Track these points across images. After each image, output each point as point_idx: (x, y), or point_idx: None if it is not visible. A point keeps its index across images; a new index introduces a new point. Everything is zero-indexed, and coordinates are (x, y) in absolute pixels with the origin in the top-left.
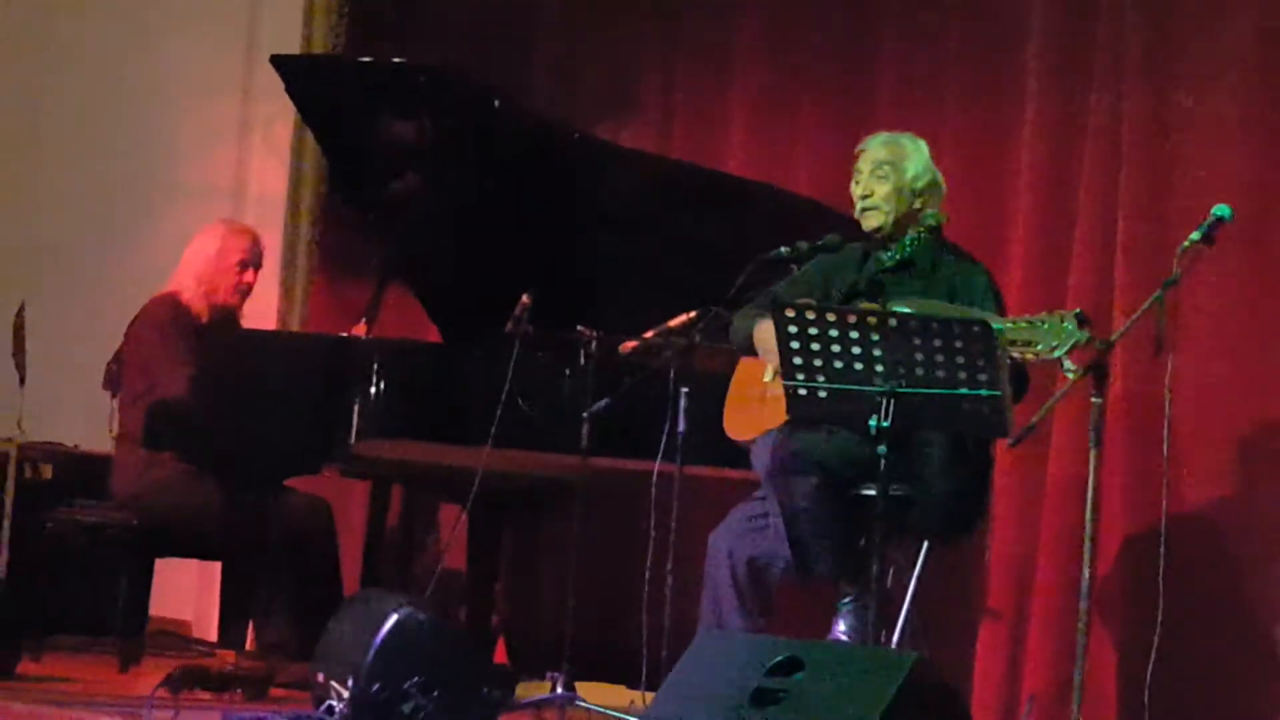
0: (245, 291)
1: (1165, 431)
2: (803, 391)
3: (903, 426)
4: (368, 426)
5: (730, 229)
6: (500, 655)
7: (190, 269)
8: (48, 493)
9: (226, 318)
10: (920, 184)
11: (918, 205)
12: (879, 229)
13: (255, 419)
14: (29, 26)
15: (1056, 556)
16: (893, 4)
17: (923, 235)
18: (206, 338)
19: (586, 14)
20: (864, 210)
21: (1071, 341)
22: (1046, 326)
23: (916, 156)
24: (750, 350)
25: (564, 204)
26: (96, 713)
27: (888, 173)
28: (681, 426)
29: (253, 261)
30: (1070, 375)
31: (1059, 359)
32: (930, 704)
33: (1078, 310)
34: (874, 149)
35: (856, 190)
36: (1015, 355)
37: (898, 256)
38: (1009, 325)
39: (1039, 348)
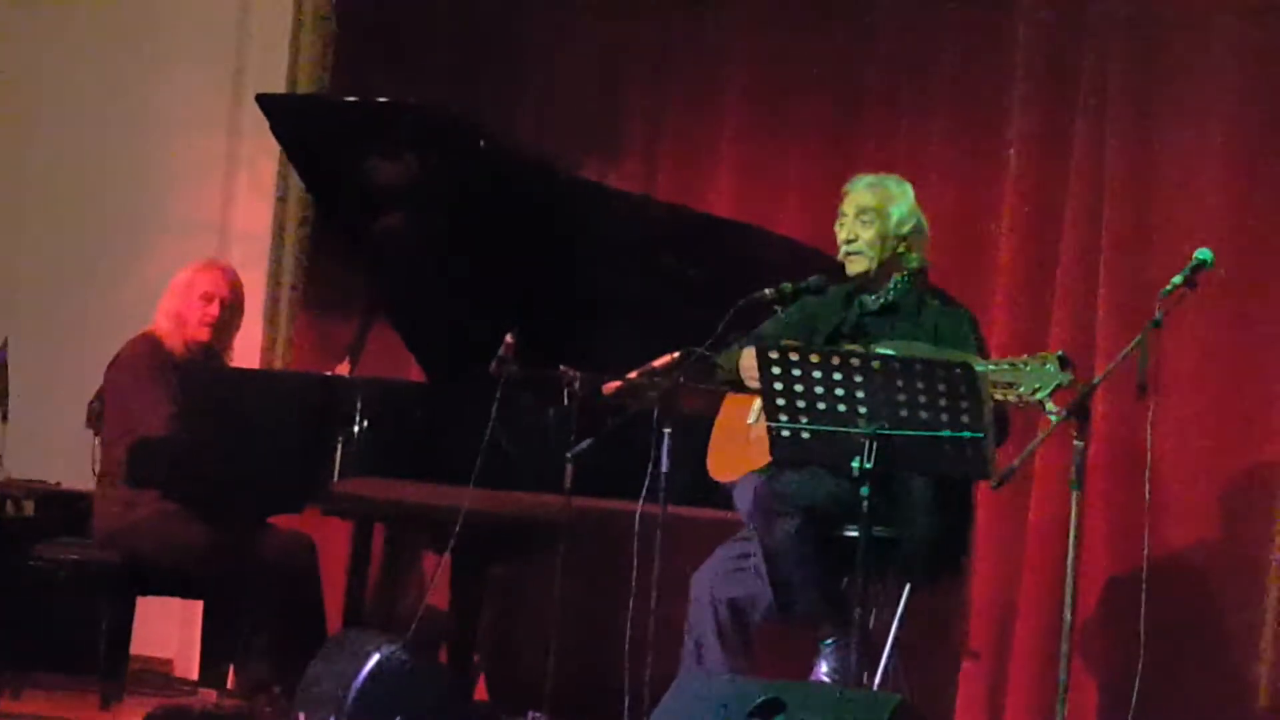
0: (213, 324)
1: (1147, 473)
2: (786, 433)
3: (885, 468)
4: (350, 465)
5: (715, 270)
6: (482, 694)
7: (164, 308)
8: (29, 530)
9: (205, 353)
10: (905, 229)
11: (901, 249)
12: (863, 274)
13: (238, 457)
14: (15, 62)
15: (1037, 597)
16: (879, 48)
17: (907, 279)
18: (184, 374)
19: (573, 54)
20: (848, 255)
21: (1054, 384)
22: (1029, 369)
23: (902, 201)
24: (736, 377)
25: (549, 243)
26: None
27: (872, 219)
28: (665, 467)
29: (217, 294)
30: (1053, 418)
31: (1041, 401)
32: None
33: (1060, 352)
34: (859, 193)
35: (841, 234)
36: (998, 397)
37: (882, 300)
38: (991, 367)
39: (1021, 390)
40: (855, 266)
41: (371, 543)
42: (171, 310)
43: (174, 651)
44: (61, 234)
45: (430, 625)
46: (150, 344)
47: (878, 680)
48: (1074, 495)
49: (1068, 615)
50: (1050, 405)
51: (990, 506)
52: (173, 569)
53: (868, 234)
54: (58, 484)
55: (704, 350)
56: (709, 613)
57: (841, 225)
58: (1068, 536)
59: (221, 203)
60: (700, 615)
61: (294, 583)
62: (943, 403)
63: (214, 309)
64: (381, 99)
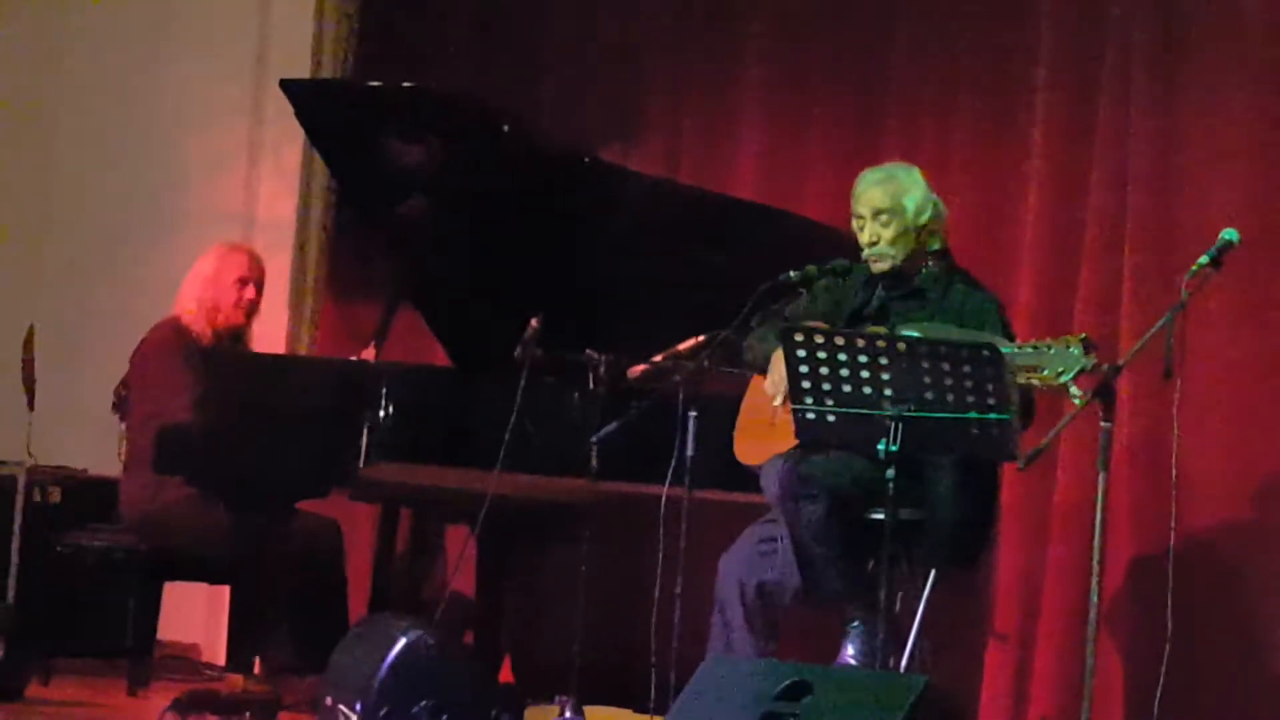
0: (249, 308)
1: (1173, 455)
2: (811, 415)
3: (911, 450)
4: (376, 450)
5: (739, 253)
6: (508, 678)
7: (191, 292)
8: (57, 516)
9: (233, 337)
10: (924, 218)
11: (923, 238)
12: (889, 271)
13: (264, 443)
14: (38, 51)
15: (1063, 579)
16: (902, 32)
17: (931, 264)
18: (212, 359)
19: (594, 39)
20: (872, 256)
21: (1078, 367)
22: (1053, 352)
23: (914, 190)
24: (763, 363)
25: (573, 228)
26: None
27: (889, 217)
28: (690, 450)
29: (252, 278)
30: (1077, 401)
31: (1065, 384)
32: None
33: (1084, 335)
34: (871, 193)
35: (863, 237)
36: (1021, 381)
37: (905, 285)
38: (1016, 350)
39: (1045, 373)
40: (882, 265)
41: (397, 527)
42: (205, 295)
43: (200, 637)
44: (86, 222)
45: (456, 609)
46: (176, 329)
47: (904, 663)
48: (1100, 477)
49: (1094, 598)
50: (1074, 388)
51: (1015, 488)
52: (199, 554)
53: (889, 233)
54: (84, 470)
55: (729, 333)
56: (736, 596)
57: (861, 228)
58: (1093, 518)
59: (245, 189)
60: (727, 598)
61: (319, 568)
62: (968, 384)
63: (250, 292)
64: (405, 84)
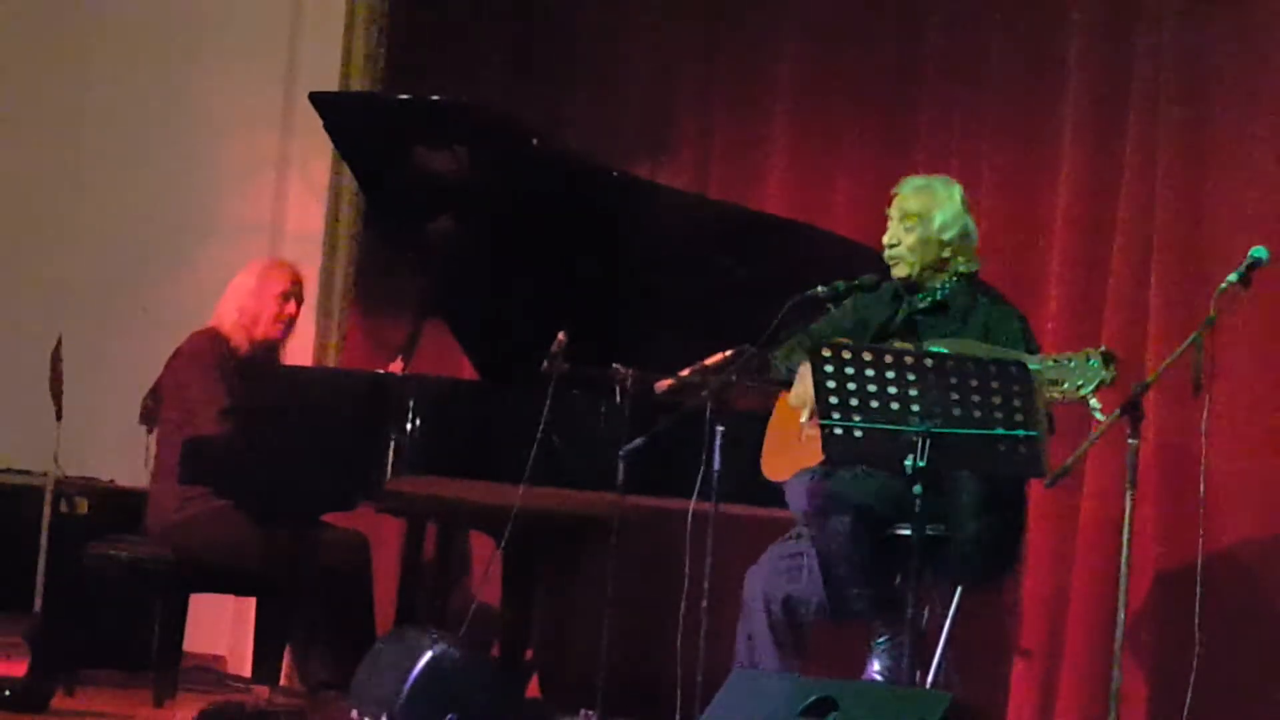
0: (287, 323)
1: (1201, 472)
2: (839, 431)
3: (938, 466)
4: (403, 463)
5: (767, 268)
6: (534, 692)
7: (232, 302)
8: (83, 527)
9: (268, 351)
10: (949, 234)
11: (946, 255)
12: (906, 277)
13: (291, 455)
14: (66, 62)
15: (1089, 595)
16: (931, 46)
17: (957, 280)
18: (246, 371)
19: (623, 54)
20: (889, 258)
21: (1097, 380)
22: (1073, 365)
23: (948, 205)
24: (792, 378)
25: (601, 242)
26: None
27: (915, 224)
28: (717, 465)
29: (294, 294)
30: (1097, 415)
31: (1085, 397)
32: None
33: (1104, 348)
34: (905, 197)
35: (885, 237)
36: (1044, 394)
37: (930, 299)
38: (1036, 365)
39: (1065, 386)
40: (898, 270)
41: (424, 540)
42: (245, 306)
43: (226, 648)
44: (114, 233)
45: (483, 623)
46: (213, 339)
47: (930, 679)
48: (1128, 493)
49: (1121, 613)
50: (1094, 401)
51: (1041, 504)
52: (226, 566)
53: (910, 239)
54: (111, 481)
55: (757, 348)
56: (761, 611)
57: (888, 229)
58: (1120, 534)
59: (273, 202)
60: (753, 613)
61: (346, 581)
62: (996, 400)
63: (291, 307)
64: (434, 97)
